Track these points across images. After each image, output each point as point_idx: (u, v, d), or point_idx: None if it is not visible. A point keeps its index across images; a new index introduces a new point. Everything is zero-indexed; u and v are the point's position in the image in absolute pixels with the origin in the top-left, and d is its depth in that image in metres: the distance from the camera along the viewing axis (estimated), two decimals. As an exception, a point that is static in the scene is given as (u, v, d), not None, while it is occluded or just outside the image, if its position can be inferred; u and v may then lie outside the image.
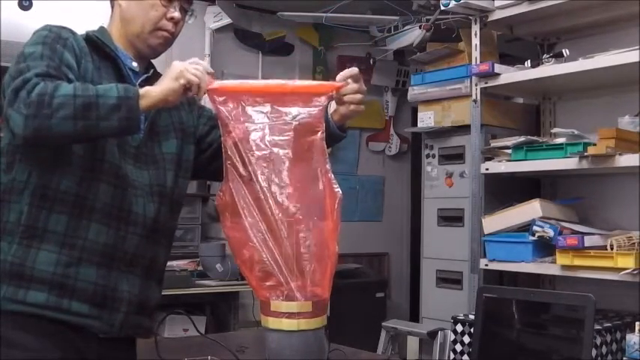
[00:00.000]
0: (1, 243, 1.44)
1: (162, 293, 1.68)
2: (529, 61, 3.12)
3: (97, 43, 1.56)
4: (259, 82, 1.55)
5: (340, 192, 1.50)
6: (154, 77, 1.65)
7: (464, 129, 3.50)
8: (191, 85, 1.43)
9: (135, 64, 1.62)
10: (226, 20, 4.32)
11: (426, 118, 3.83)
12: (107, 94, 1.36)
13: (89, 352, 1.48)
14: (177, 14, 1.61)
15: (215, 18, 4.26)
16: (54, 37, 1.48)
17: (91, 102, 1.34)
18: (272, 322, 1.44)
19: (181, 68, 1.43)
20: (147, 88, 1.43)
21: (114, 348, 1.53)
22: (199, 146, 1.70)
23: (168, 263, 1.73)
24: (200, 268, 3.67)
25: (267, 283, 1.44)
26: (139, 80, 1.61)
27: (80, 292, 1.44)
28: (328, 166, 1.51)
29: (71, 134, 1.36)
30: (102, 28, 1.64)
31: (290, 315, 1.43)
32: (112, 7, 1.65)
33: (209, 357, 1.76)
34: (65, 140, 1.40)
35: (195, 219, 3.93)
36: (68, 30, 1.54)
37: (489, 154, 3.18)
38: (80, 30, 1.59)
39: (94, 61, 1.54)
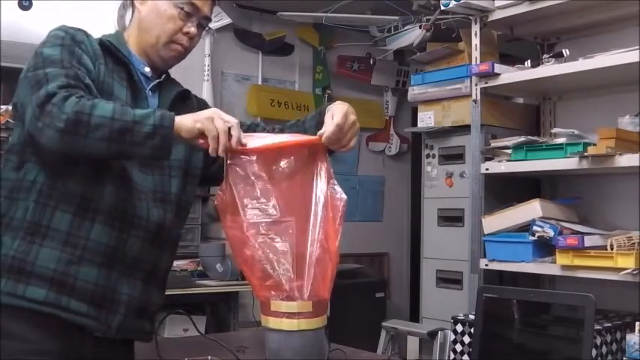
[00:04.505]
0: (5, 237, 1.45)
1: (165, 292, 1.68)
2: (529, 61, 3.12)
3: (110, 48, 1.56)
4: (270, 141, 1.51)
5: (345, 197, 1.50)
6: (165, 83, 1.65)
7: (464, 129, 3.50)
8: (204, 135, 1.39)
9: (147, 69, 1.62)
10: (226, 20, 4.32)
11: (426, 118, 3.83)
12: (144, 120, 1.35)
13: (87, 349, 1.49)
14: (193, 29, 1.60)
15: (215, 18, 4.26)
16: (71, 39, 1.49)
17: (127, 127, 1.34)
18: (272, 322, 1.44)
19: (209, 115, 1.39)
20: (182, 118, 1.40)
21: (111, 348, 1.53)
22: (208, 155, 1.68)
23: (168, 263, 1.72)
24: (200, 268, 3.67)
25: (268, 283, 1.44)
26: (150, 85, 1.62)
27: (79, 290, 1.44)
28: (331, 170, 1.51)
29: (103, 155, 1.38)
30: (117, 33, 1.65)
31: (290, 315, 1.43)
32: (132, 11, 1.65)
33: (209, 357, 1.76)
34: (95, 158, 1.41)
35: (195, 219, 3.93)
36: (83, 32, 1.54)
37: (489, 154, 3.18)
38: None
39: (107, 64, 1.54)
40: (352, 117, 1.53)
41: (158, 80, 1.64)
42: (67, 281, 1.43)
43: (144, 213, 1.52)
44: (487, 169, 3.13)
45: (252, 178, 1.46)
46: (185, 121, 1.39)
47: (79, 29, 1.54)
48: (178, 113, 1.60)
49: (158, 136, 1.36)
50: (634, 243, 2.62)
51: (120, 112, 1.35)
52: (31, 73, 1.42)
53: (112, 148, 1.35)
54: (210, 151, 1.40)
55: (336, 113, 1.52)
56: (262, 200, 1.46)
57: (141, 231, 1.52)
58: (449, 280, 3.71)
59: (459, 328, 2.95)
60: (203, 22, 1.64)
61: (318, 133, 1.51)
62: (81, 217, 1.45)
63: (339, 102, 1.58)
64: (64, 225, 1.44)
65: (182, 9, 1.58)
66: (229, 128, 1.39)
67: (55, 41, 1.47)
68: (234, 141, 1.40)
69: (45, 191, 1.45)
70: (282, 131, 1.72)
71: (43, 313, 1.42)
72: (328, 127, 1.49)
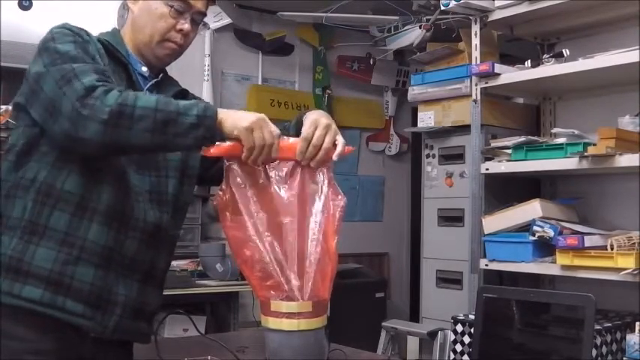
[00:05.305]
0: (3, 236, 1.44)
1: (162, 293, 1.68)
2: (529, 61, 3.12)
3: (108, 48, 1.56)
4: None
5: (344, 197, 1.50)
6: (163, 82, 1.65)
7: (464, 129, 3.50)
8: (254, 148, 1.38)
9: (145, 68, 1.61)
10: (226, 20, 4.32)
11: (426, 118, 3.83)
12: (187, 112, 1.35)
13: (84, 349, 1.49)
14: (186, 26, 1.59)
15: (215, 18, 4.26)
16: (80, 38, 1.48)
17: (171, 118, 1.34)
18: (272, 322, 1.44)
19: (249, 125, 1.36)
20: (224, 115, 1.38)
21: (109, 349, 1.53)
22: (207, 157, 1.67)
23: (168, 263, 1.72)
24: (200, 268, 3.67)
25: (268, 283, 1.44)
26: (148, 85, 1.61)
27: (75, 291, 1.44)
28: (331, 172, 1.51)
29: (147, 146, 1.38)
30: (114, 31, 1.64)
31: (290, 315, 1.43)
32: (127, 10, 1.64)
33: (209, 357, 1.76)
34: (139, 151, 1.42)
35: (195, 219, 3.93)
36: (85, 32, 1.54)
37: (489, 154, 3.18)
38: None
39: (110, 64, 1.53)
40: (324, 121, 1.48)
41: (156, 80, 1.63)
42: (64, 281, 1.43)
43: (140, 214, 1.52)
44: (487, 169, 3.13)
45: (252, 179, 1.46)
46: (226, 121, 1.38)
47: (81, 29, 1.54)
48: None
49: (202, 127, 1.36)
50: (634, 243, 2.62)
51: (163, 102, 1.36)
52: (53, 68, 1.40)
53: (155, 139, 1.35)
54: (242, 158, 1.40)
55: (304, 125, 1.49)
56: (262, 201, 1.46)
57: (138, 232, 1.51)
58: (449, 280, 3.70)
59: (459, 328, 2.95)
60: (196, 18, 1.62)
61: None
62: (79, 217, 1.45)
63: (312, 111, 1.55)
64: (61, 225, 1.44)
65: (172, 7, 1.57)
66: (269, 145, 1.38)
67: (66, 38, 1.46)
68: (268, 158, 1.40)
69: (43, 190, 1.44)
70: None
71: (40, 313, 1.42)
72: (298, 144, 1.46)
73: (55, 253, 1.43)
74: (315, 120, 1.48)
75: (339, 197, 1.50)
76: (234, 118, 1.38)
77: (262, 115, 1.40)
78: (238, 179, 1.45)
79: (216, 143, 1.40)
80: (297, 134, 1.54)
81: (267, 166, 1.47)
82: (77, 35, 1.49)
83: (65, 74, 1.38)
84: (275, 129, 1.41)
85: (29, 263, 1.42)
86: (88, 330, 1.47)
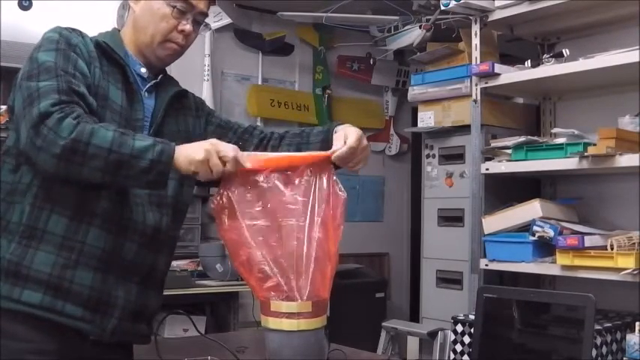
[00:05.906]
0: (2, 241, 1.44)
1: (163, 294, 1.67)
2: (529, 61, 3.12)
3: (105, 49, 1.55)
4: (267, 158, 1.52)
5: (345, 194, 1.50)
6: (162, 83, 1.64)
7: (464, 129, 3.50)
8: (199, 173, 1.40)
9: (144, 69, 1.60)
10: (226, 20, 4.32)
11: (426, 118, 3.83)
12: (142, 155, 1.34)
13: (84, 351, 1.49)
14: (188, 27, 1.58)
15: (215, 18, 4.26)
16: (65, 43, 1.47)
17: (124, 161, 1.34)
18: (272, 322, 1.44)
19: (204, 156, 1.37)
20: (179, 155, 1.38)
21: (109, 351, 1.53)
22: None
23: (168, 263, 1.71)
24: (200, 268, 3.67)
25: (267, 284, 1.44)
26: (147, 86, 1.60)
27: (75, 295, 1.44)
28: (332, 168, 1.52)
29: (97, 182, 1.38)
30: (114, 32, 1.63)
31: (290, 315, 1.42)
32: (128, 9, 1.64)
33: (209, 357, 1.76)
34: (89, 184, 1.41)
35: (195, 219, 3.93)
36: (78, 33, 1.53)
37: (489, 154, 3.18)
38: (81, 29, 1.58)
39: (102, 66, 1.52)
40: (365, 142, 1.56)
41: (155, 81, 1.62)
42: (63, 285, 1.43)
43: (140, 217, 1.51)
44: (487, 169, 3.13)
45: (249, 181, 1.46)
46: (181, 160, 1.38)
47: (74, 30, 1.53)
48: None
49: (154, 172, 1.36)
50: (634, 243, 2.62)
51: (118, 142, 1.34)
52: (25, 83, 1.40)
53: (106, 178, 1.36)
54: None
55: (350, 135, 1.54)
56: (259, 202, 1.46)
57: (137, 235, 1.51)
58: (449, 280, 3.70)
59: (459, 328, 2.95)
60: (199, 19, 1.61)
61: (330, 150, 1.51)
62: (77, 221, 1.45)
63: (350, 125, 1.60)
64: (59, 229, 1.44)
65: (175, 7, 1.56)
66: (226, 162, 1.39)
67: (50, 45, 1.46)
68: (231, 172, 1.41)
69: (41, 195, 1.44)
70: (282, 139, 1.72)
71: (39, 317, 1.42)
72: (341, 148, 1.51)
73: (54, 257, 1.43)
74: (361, 135, 1.56)
75: (340, 193, 1.50)
76: (188, 154, 1.38)
77: (212, 142, 1.40)
78: (234, 183, 1.45)
79: None
80: (325, 141, 1.60)
81: (265, 170, 1.47)
82: (64, 40, 1.48)
83: (31, 93, 1.38)
84: (227, 148, 1.40)
85: (28, 267, 1.42)
86: (87, 333, 1.47)
